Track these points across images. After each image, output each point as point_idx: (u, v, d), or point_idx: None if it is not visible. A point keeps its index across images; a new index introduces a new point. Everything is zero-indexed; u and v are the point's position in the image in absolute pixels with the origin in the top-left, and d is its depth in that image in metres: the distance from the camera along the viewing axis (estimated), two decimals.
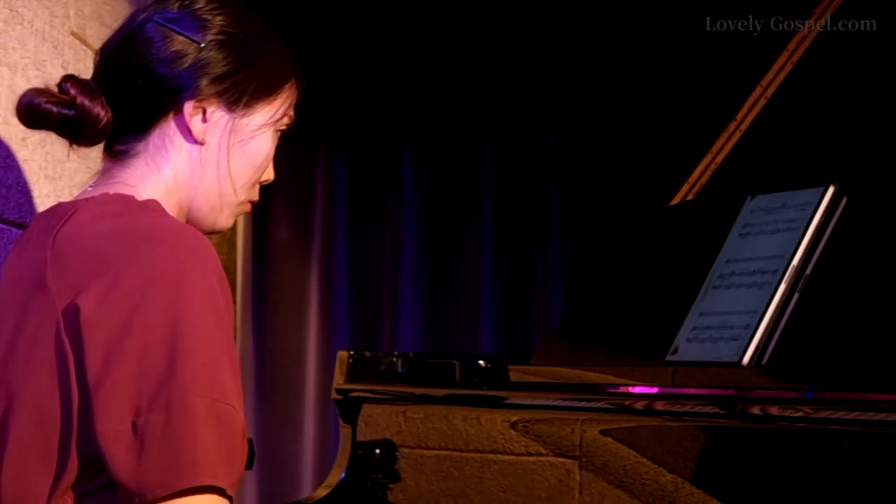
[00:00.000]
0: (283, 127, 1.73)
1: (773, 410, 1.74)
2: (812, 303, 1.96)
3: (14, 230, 2.03)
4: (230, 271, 3.84)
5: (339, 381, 2.39)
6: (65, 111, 1.59)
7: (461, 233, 3.74)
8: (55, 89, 1.60)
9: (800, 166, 2.62)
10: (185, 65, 1.63)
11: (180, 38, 1.63)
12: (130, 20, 1.67)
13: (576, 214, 3.60)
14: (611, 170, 3.57)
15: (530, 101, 3.66)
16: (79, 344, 1.46)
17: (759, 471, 1.75)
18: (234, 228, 3.85)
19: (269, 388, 3.82)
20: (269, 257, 3.86)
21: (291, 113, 1.73)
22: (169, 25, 1.64)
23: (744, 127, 2.56)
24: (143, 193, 1.62)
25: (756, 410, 1.77)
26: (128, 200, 1.60)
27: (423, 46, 3.73)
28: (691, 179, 2.59)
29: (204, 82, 1.64)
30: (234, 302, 3.84)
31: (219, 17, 1.66)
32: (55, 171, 2.18)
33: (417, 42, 3.73)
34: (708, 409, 1.83)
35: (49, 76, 2.09)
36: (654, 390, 1.96)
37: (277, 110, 1.71)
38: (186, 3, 1.67)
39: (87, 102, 1.60)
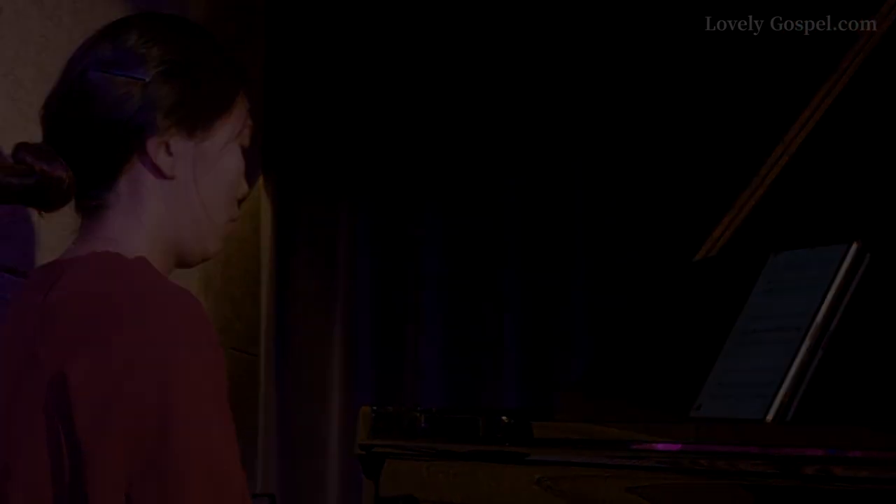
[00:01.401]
0: (247, 141, 1.68)
1: (798, 468, 1.74)
2: (836, 360, 1.95)
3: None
4: (254, 325, 3.84)
5: (361, 436, 2.39)
6: (26, 181, 1.55)
7: (484, 286, 3.73)
8: (10, 161, 1.56)
9: (823, 223, 2.62)
10: (136, 105, 1.59)
11: (123, 79, 1.59)
12: (67, 73, 1.63)
13: (599, 270, 3.59)
14: (633, 227, 3.56)
15: (551, 155, 3.67)
16: (68, 416, 1.43)
17: None
18: (257, 282, 3.86)
19: (291, 443, 3.81)
20: (293, 311, 3.85)
21: (250, 122, 1.69)
22: (109, 70, 1.59)
23: (767, 183, 2.57)
24: (129, 249, 1.59)
25: (780, 468, 1.76)
26: (115, 260, 1.56)
27: (446, 101, 3.75)
28: (714, 235, 2.59)
29: (159, 117, 1.59)
30: (258, 355, 3.84)
31: (155, 49, 1.61)
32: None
33: (440, 96, 3.75)
34: (732, 465, 1.82)
35: None
36: (678, 447, 1.95)
37: (236, 123, 1.66)
38: (119, 42, 1.62)
39: (45, 167, 1.56)
